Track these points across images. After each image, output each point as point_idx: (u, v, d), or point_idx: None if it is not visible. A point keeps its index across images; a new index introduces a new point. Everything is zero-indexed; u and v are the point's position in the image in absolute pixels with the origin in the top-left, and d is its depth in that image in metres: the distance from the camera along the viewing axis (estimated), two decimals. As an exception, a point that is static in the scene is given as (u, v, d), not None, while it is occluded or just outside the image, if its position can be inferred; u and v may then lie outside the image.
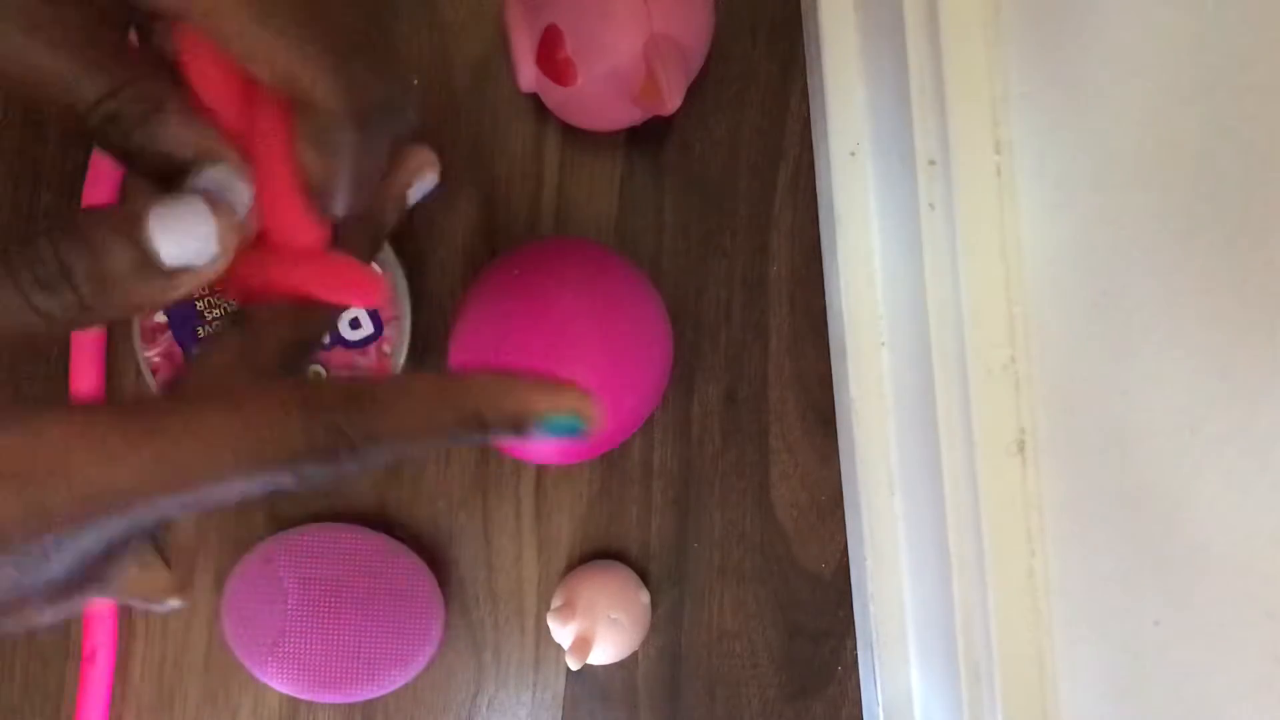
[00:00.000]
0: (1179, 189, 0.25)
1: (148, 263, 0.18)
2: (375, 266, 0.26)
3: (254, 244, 0.21)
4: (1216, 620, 0.25)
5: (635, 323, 0.37)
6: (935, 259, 0.34)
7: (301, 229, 0.22)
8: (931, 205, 0.34)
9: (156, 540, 0.21)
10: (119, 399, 0.21)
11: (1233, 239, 0.24)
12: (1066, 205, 0.30)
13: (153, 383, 0.38)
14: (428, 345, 0.41)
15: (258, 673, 0.40)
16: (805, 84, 0.43)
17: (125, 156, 0.19)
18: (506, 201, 0.43)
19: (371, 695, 0.41)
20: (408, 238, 0.42)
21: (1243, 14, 0.23)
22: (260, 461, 0.17)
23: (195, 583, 0.39)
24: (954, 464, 0.34)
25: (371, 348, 0.39)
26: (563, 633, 0.40)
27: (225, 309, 0.39)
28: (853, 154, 0.40)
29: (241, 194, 0.20)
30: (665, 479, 0.43)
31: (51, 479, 0.16)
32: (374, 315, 0.39)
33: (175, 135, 0.19)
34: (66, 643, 0.42)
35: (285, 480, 0.18)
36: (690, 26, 0.37)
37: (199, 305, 0.38)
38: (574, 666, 0.39)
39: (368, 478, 0.43)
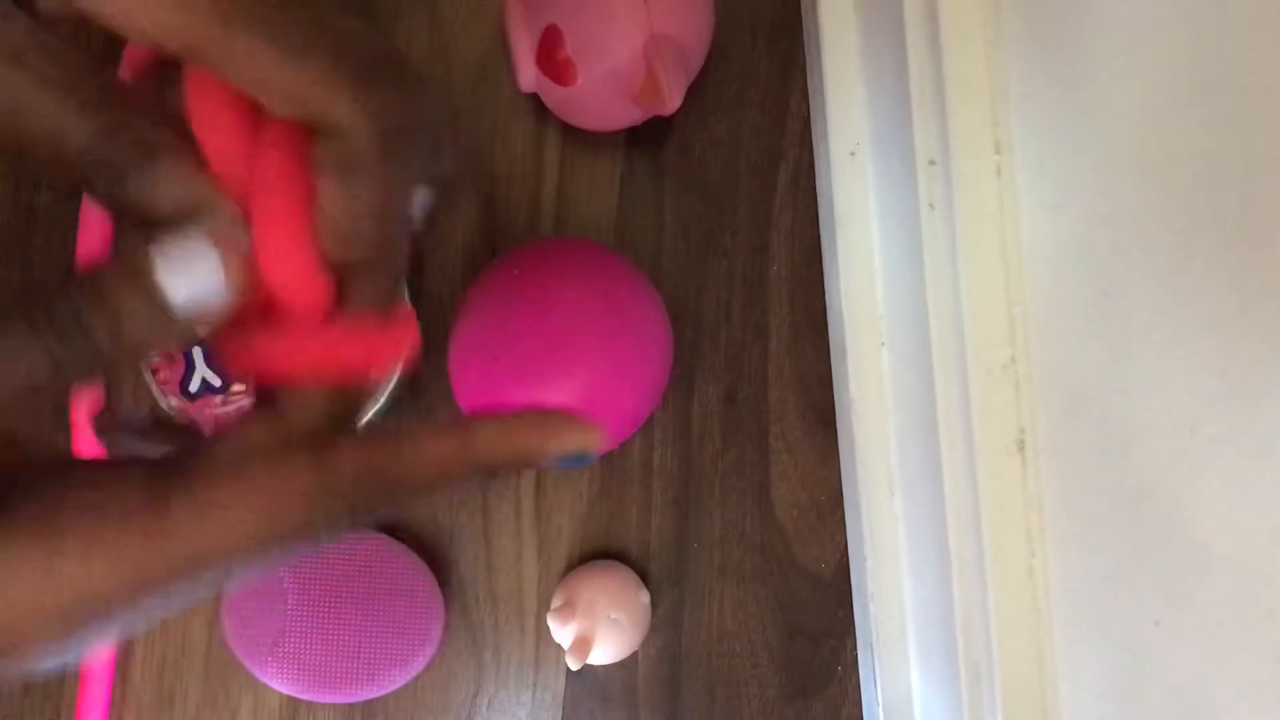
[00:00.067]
0: (1179, 189, 0.25)
1: (158, 305, 0.17)
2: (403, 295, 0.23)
3: (257, 315, 0.20)
4: (1216, 620, 0.25)
5: (635, 323, 0.37)
6: (935, 259, 0.34)
7: (305, 288, 0.20)
8: (931, 205, 0.34)
9: None
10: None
11: (1233, 239, 0.24)
12: (1066, 205, 0.30)
13: (152, 382, 0.38)
14: (428, 345, 0.41)
15: (258, 673, 0.40)
16: (805, 84, 0.43)
17: (115, 206, 0.19)
18: (506, 201, 0.43)
19: (371, 695, 0.41)
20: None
21: (1243, 14, 0.23)
22: (281, 546, 0.18)
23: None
24: (954, 464, 0.34)
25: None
26: (563, 633, 0.40)
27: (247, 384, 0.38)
28: (853, 154, 0.40)
29: (237, 247, 0.19)
30: (665, 479, 0.43)
31: (72, 601, 0.17)
32: None
33: (168, 185, 0.18)
34: (66, 643, 0.42)
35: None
36: (690, 26, 0.37)
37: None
38: (574, 666, 0.39)
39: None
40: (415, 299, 0.40)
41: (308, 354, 0.20)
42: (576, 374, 0.35)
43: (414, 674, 0.41)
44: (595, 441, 0.20)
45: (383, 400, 0.38)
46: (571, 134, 0.42)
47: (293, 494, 0.18)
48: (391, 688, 0.41)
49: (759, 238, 0.43)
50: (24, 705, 0.42)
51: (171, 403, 0.38)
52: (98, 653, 0.41)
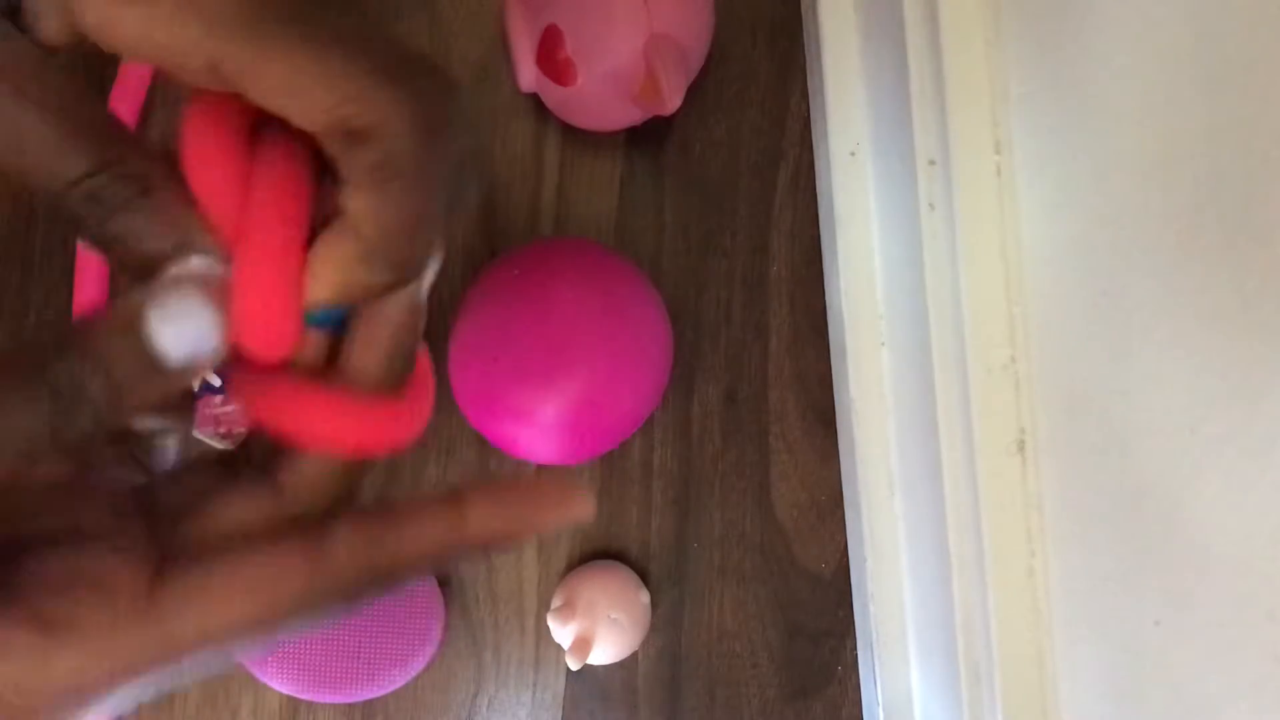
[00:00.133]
0: (1179, 189, 0.25)
1: (152, 361, 0.17)
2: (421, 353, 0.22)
3: (242, 363, 0.19)
4: (1216, 620, 0.25)
5: (635, 323, 0.37)
6: (935, 259, 0.34)
7: (281, 339, 0.18)
8: (931, 205, 0.34)
9: None
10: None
11: (1233, 239, 0.24)
12: (1066, 205, 0.30)
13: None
14: (428, 345, 0.41)
15: (258, 673, 0.40)
16: (805, 84, 0.43)
17: (104, 242, 0.18)
18: (506, 201, 0.43)
19: (371, 695, 0.41)
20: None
21: (1243, 14, 0.23)
22: (272, 633, 0.18)
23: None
24: (954, 464, 0.34)
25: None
26: (563, 633, 0.40)
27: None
28: (853, 154, 0.40)
29: (225, 287, 0.18)
30: (665, 479, 0.43)
31: (62, 688, 0.17)
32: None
33: (158, 221, 0.18)
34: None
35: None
36: (690, 26, 0.37)
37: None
38: (574, 666, 0.39)
39: (368, 478, 0.43)
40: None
41: (318, 423, 0.19)
42: (576, 374, 0.35)
43: (414, 674, 0.41)
44: (588, 512, 0.20)
45: None
46: (571, 134, 0.42)
47: (286, 582, 0.18)
48: (391, 688, 0.41)
49: (759, 238, 0.43)
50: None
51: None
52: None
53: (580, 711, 0.43)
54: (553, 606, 0.41)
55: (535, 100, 0.41)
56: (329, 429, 0.19)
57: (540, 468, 0.43)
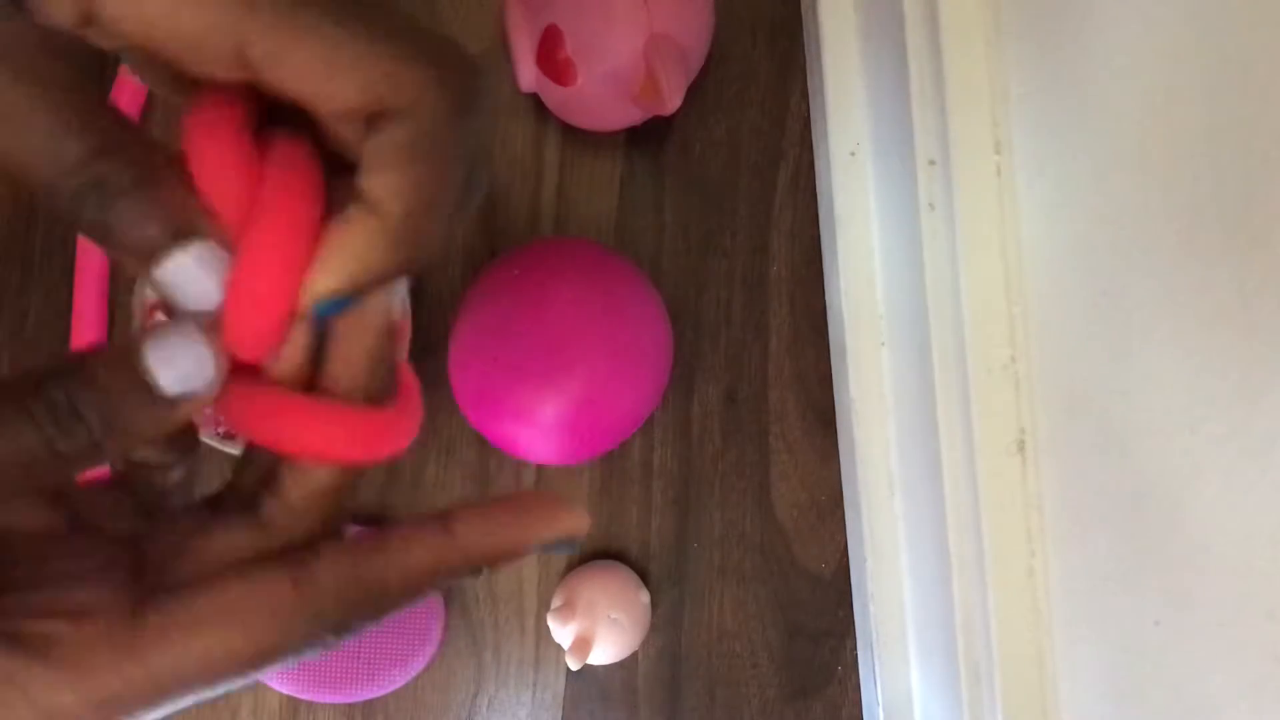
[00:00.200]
0: (1179, 189, 0.25)
1: (150, 394, 0.17)
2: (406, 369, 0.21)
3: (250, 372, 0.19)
4: (1216, 620, 0.25)
5: (635, 323, 0.37)
6: (935, 259, 0.34)
7: (270, 338, 0.18)
8: (931, 205, 0.34)
9: None
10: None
11: (1233, 239, 0.24)
12: (1066, 205, 0.30)
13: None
14: (428, 345, 0.41)
15: (258, 673, 0.40)
16: (805, 84, 0.43)
17: (102, 231, 0.18)
18: (506, 201, 0.43)
19: (371, 695, 0.41)
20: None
21: (1243, 14, 0.23)
22: (258, 667, 0.18)
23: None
24: (954, 464, 0.34)
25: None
26: (563, 633, 0.40)
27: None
28: (853, 154, 0.40)
29: (209, 285, 0.18)
30: (665, 479, 0.43)
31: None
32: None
33: (158, 209, 0.17)
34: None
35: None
36: (690, 26, 0.37)
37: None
38: (574, 666, 0.39)
39: (368, 478, 0.43)
40: (415, 299, 0.40)
41: (305, 433, 0.19)
42: (576, 374, 0.35)
43: (414, 674, 0.41)
44: (581, 527, 0.20)
45: None
46: (571, 134, 0.42)
47: (270, 610, 0.18)
48: (391, 688, 0.41)
49: (759, 238, 0.43)
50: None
51: None
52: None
53: (580, 711, 0.43)
54: (553, 606, 0.41)
55: (535, 100, 0.41)
56: (317, 439, 0.19)
57: (540, 466, 0.43)
